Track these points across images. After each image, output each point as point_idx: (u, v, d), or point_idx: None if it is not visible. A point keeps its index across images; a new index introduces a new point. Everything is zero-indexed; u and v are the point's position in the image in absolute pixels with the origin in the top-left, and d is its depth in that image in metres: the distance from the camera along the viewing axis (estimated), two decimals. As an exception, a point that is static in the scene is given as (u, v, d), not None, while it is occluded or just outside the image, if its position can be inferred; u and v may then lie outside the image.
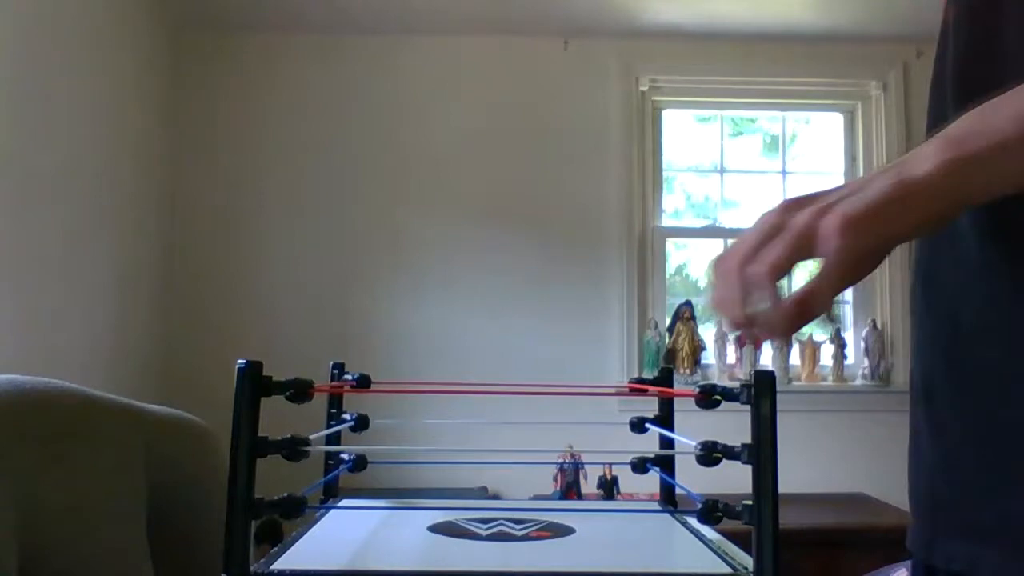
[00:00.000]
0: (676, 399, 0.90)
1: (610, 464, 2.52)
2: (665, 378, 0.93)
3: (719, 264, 0.58)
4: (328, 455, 0.89)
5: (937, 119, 0.69)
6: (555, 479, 2.63)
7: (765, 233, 0.55)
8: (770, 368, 0.57)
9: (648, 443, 0.91)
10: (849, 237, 0.52)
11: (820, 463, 2.96)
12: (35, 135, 2.23)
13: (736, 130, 3.41)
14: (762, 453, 0.55)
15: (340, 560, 0.64)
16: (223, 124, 3.15)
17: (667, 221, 3.28)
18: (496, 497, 2.83)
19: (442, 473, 2.85)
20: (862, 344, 3.13)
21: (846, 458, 3.04)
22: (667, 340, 3.10)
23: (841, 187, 0.56)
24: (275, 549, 0.65)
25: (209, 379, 2.26)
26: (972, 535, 0.62)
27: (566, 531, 0.75)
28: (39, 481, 0.93)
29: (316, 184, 3.13)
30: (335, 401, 0.91)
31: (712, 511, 0.60)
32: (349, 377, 0.88)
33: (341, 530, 0.76)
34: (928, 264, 0.69)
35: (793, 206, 0.56)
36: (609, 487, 2.57)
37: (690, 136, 3.36)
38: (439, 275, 3.10)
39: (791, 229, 0.54)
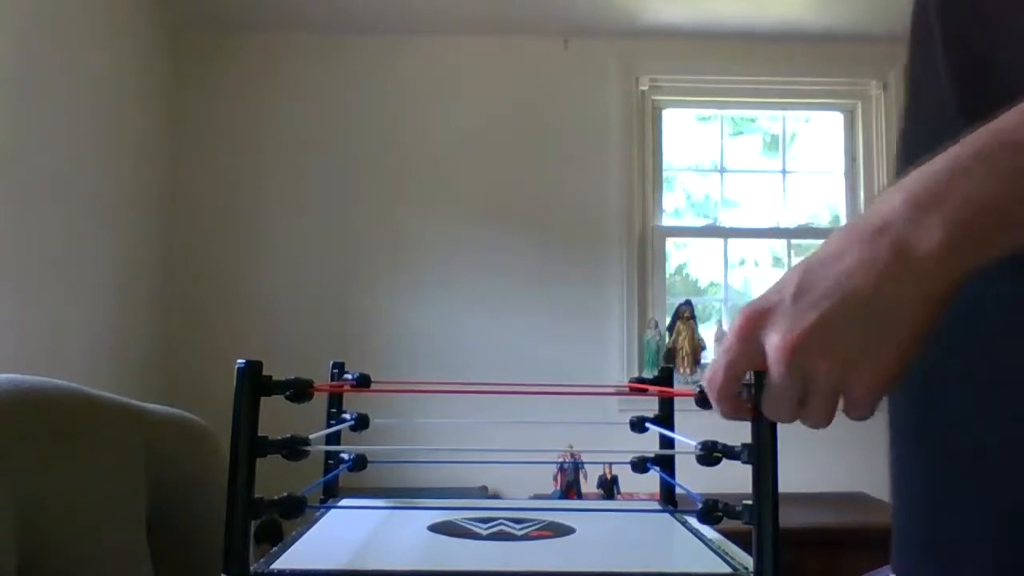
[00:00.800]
0: (676, 399, 0.90)
1: (610, 464, 2.52)
2: (665, 378, 0.94)
3: (720, 395, 0.55)
4: (328, 455, 0.89)
5: (921, 41, 0.67)
6: (555, 479, 2.63)
7: (786, 395, 0.51)
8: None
9: (648, 443, 0.91)
10: (884, 395, 0.50)
11: (820, 463, 2.96)
12: (35, 135, 2.23)
13: (736, 130, 3.41)
14: (762, 453, 0.55)
15: (340, 560, 0.64)
16: (223, 124, 3.15)
17: (667, 220, 3.28)
18: (496, 497, 2.83)
19: (442, 473, 2.84)
20: (862, 344, 3.12)
21: (846, 458, 3.04)
22: (667, 340, 3.10)
23: (846, 296, 0.49)
24: (275, 549, 0.65)
25: (209, 379, 2.26)
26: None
27: (566, 531, 0.75)
28: (39, 481, 0.93)
29: (316, 184, 3.12)
30: (335, 401, 0.91)
31: (712, 511, 0.60)
32: (349, 377, 0.88)
33: (341, 530, 0.76)
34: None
35: (798, 351, 0.50)
36: (609, 487, 2.57)
37: (690, 136, 3.36)
38: (439, 275, 3.10)
39: (823, 402, 0.51)
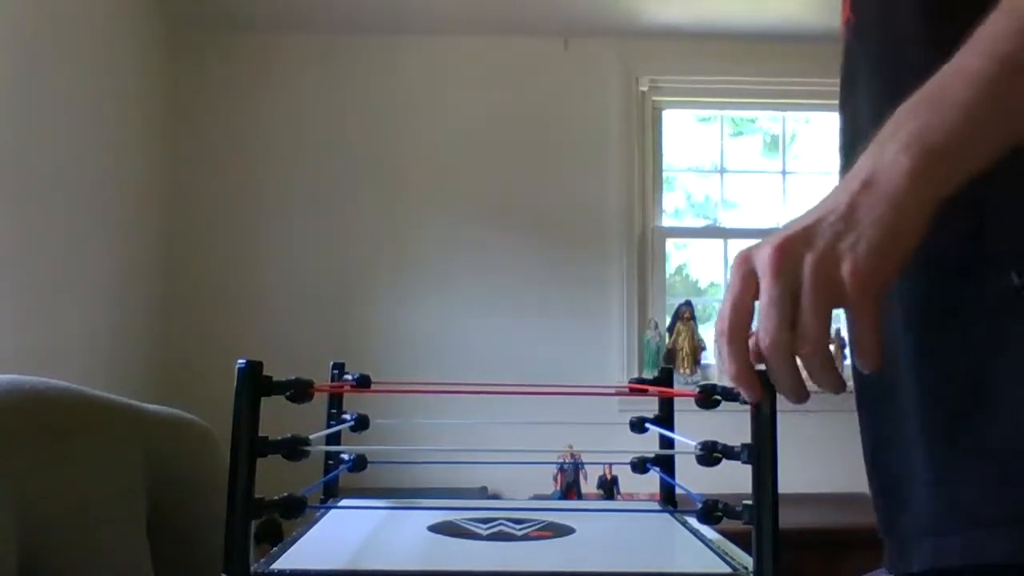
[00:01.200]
0: (676, 399, 0.90)
1: (610, 464, 2.52)
2: (665, 378, 0.94)
3: (731, 334, 0.55)
4: (328, 455, 0.89)
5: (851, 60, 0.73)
6: (555, 479, 2.63)
7: (775, 302, 0.53)
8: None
9: (648, 443, 0.91)
10: (875, 292, 0.52)
11: (820, 463, 2.96)
12: (35, 135, 2.23)
13: (736, 130, 3.41)
14: (762, 453, 0.55)
15: (340, 560, 0.64)
16: (223, 124, 3.15)
17: (667, 221, 3.28)
18: (496, 497, 2.83)
19: (442, 473, 2.84)
20: (862, 344, 3.12)
21: (846, 458, 3.03)
22: (667, 340, 3.10)
23: (825, 216, 0.53)
24: (275, 549, 0.65)
25: (209, 379, 2.26)
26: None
27: (566, 531, 0.75)
28: (39, 481, 0.93)
29: (316, 184, 3.12)
30: (335, 401, 0.91)
31: (712, 511, 0.60)
32: (349, 377, 0.88)
33: (341, 530, 0.76)
34: None
35: (786, 251, 0.53)
36: (609, 487, 2.57)
37: (690, 136, 3.36)
38: (439, 275, 3.10)
39: (813, 296, 0.52)
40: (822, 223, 0.53)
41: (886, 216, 0.51)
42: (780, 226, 0.56)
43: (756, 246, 0.55)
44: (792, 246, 0.53)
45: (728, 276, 0.57)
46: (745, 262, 0.55)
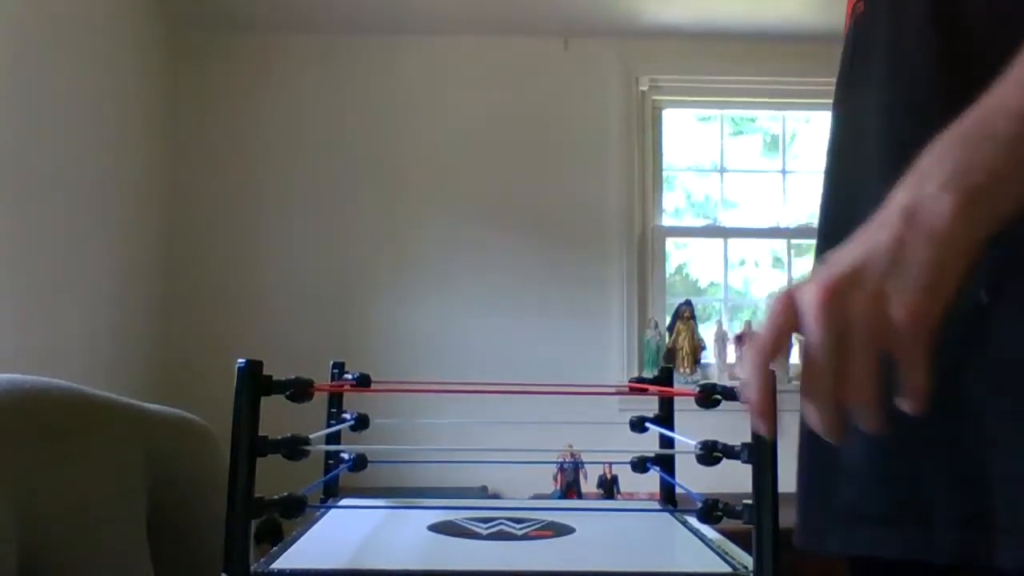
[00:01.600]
0: (676, 399, 0.90)
1: (610, 464, 2.52)
2: (665, 378, 0.94)
3: (762, 365, 0.54)
4: (328, 455, 0.89)
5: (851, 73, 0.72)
6: (555, 479, 2.63)
7: (823, 343, 0.51)
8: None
9: (648, 443, 0.91)
10: (926, 334, 0.51)
11: (820, 463, 2.96)
12: (34, 135, 2.23)
13: (736, 130, 3.41)
14: (762, 453, 0.55)
15: (340, 560, 0.64)
16: (222, 124, 3.15)
17: (667, 220, 3.28)
18: (496, 497, 2.83)
19: (442, 473, 2.84)
20: (862, 344, 3.12)
21: (846, 458, 3.04)
22: (667, 340, 3.10)
23: (871, 255, 0.52)
24: (275, 549, 0.65)
25: (209, 379, 2.26)
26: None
27: (566, 531, 0.75)
28: (39, 481, 0.93)
29: (316, 184, 3.12)
30: (335, 401, 0.91)
31: (712, 511, 0.60)
32: (349, 377, 0.88)
33: (341, 530, 0.76)
34: None
35: (835, 292, 0.51)
36: (609, 487, 2.57)
37: (690, 136, 3.36)
38: (439, 275, 3.10)
39: (863, 337, 0.51)
40: (869, 263, 0.52)
41: (932, 257, 0.50)
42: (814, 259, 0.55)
43: (801, 285, 0.54)
44: (841, 287, 0.52)
45: (768, 311, 0.56)
46: (789, 298, 0.54)
